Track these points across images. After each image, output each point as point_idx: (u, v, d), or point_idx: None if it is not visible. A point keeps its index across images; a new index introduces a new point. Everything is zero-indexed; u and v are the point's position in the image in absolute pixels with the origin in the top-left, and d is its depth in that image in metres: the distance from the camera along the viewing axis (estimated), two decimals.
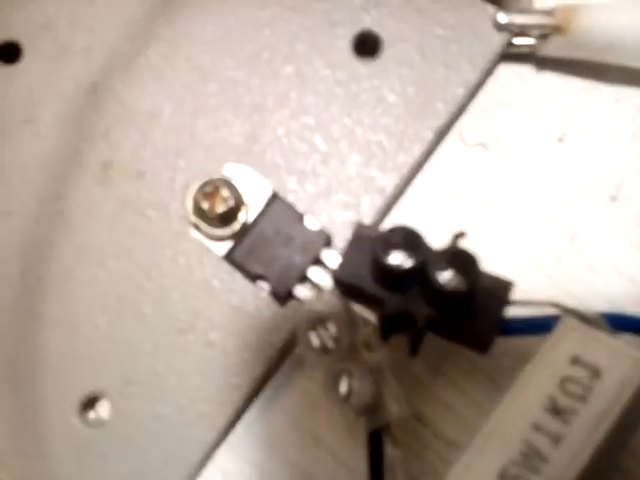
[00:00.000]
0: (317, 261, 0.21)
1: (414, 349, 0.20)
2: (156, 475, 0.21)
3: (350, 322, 0.19)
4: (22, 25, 0.23)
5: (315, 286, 0.21)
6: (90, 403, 0.22)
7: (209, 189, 0.21)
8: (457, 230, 0.20)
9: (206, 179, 0.21)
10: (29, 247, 0.22)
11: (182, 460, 0.21)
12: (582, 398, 0.17)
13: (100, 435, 0.21)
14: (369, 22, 0.23)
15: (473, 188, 0.24)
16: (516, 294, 0.20)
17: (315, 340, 0.19)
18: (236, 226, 0.21)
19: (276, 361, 0.22)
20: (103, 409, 0.22)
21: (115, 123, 0.23)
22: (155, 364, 0.22)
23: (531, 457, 0.17)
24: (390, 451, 0.19)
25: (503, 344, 0.20)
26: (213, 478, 0.22)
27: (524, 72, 0.25)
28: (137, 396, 0.21)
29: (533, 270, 0.24)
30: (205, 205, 0.21)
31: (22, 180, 0.22)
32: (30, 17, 0.23)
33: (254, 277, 0.21)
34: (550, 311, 0.19)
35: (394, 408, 0.19)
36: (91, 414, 0.22)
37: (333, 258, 0.21)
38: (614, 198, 0.24)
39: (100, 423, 0.21)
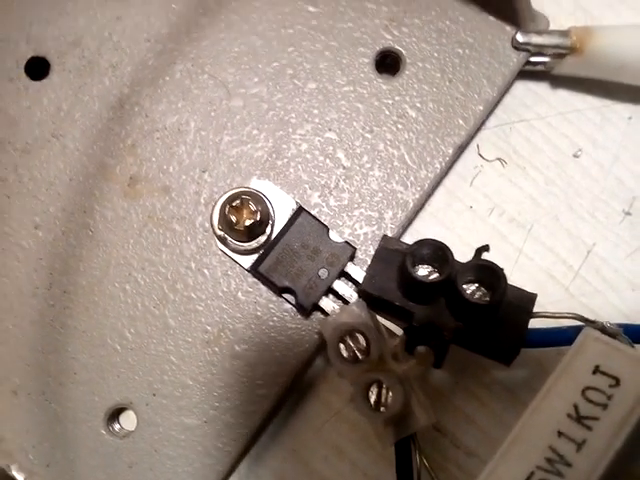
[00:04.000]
0: (342, 274, 0.23)
1: (439, 361, 0.21)
2: None
3: (378, 334, 0.21)
4: (50, 41, 0.25)
5: (340, 298, 0.23)
6: (117, 414, 0.23)
7: (237, 202, 0.22)
8: (481, 244, 0.21)
9: (233, 192, 0.23)
10: (56, 260, 0.23)
11: (208, 471, 0.22)
12: (603, 405, 0.19)
13: (127, 445, 0.23)
14: (390, 41, 0.25)
15: (491, 201, 0.26)
16: (535, 307, 0.21)
17: (344, 352, 0.20)
18: (262, 239, 0.23)
19: (300, 372, 0.23)
20: (130, 420, 0.23)
21: (141, 138, 0.24)
22: (181, 376, 0.23)
23: (556, 462, 0.18)
24: (417, 460, 0.20)
25: (520, 356, 0.22)
26: None
27: (540, 89, 0.27)
28: (163, 407, 0.23)
29: (550, 283, 0.25)
30: (233, 217, 0.22)
31: (50, 194, 0.24)
32: (58, 34, 0.25)
33: (280, 290, 0.23)
34: (570, 323, 0.21)
35: (422, 417, 0.20)
36: (118, 425, 0.23)
37: (358, 271, 0.23)
38: (628, 213, 0.26)
39: (127, 433, 0.23)
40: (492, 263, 0.20)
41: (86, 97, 0.24)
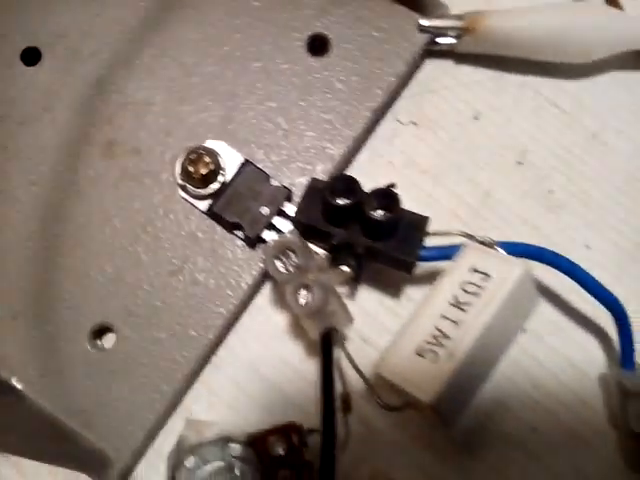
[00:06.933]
0: (281, 212, 0.29)
1: (357, 275, 0.27)
2: (153, 386, 0.28)
3: (307, 252, 0.27)
4: (41, 33, 0.31)
5: (279, 232, 0.29)
6: (100, 333, 0.29)
7: (194, 156, 0.28)
8: (389, 182, 0.27)
9: (191, 149, 0.29)
10: (48, 209, 0.29)
11: (174, 374, 0.28)
12: (476, 294, 0.25)
13: (108, 357, 0.28)
14: (320, 27, 0.31)
15: (407, 157, 0.32)
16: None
17: (280, 266, 0.26)
18: (215, 186, 0.29)
19: (250, 295, 0.29)
20: (110, 336, 0.29)
21: (117, 110, 0.30)
22: (152, 299, 0.29)
23: (439, 337, 0.24)
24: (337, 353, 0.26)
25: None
26: (200, 392, 0.29)
27: (446, 66, 0.33)
28: (137, 325, 0.29)
29: (455, 221, 0.31)
30: (191, 168, 0.28)
31: (42, 157, 0.30)
32: (48, 27, 0.31)
33: (230, 226, 0.29)
34: (459, 241, 0.27)
35: (342, 316, 0.26)
36: (100, 341, 0.29)
37: (293, 209, 0.29)
38: (520, 163, 0.32)
39: (108, 348, 0.28)
40: (387, 188, 0.26)
41: (71, 79, 0.31)
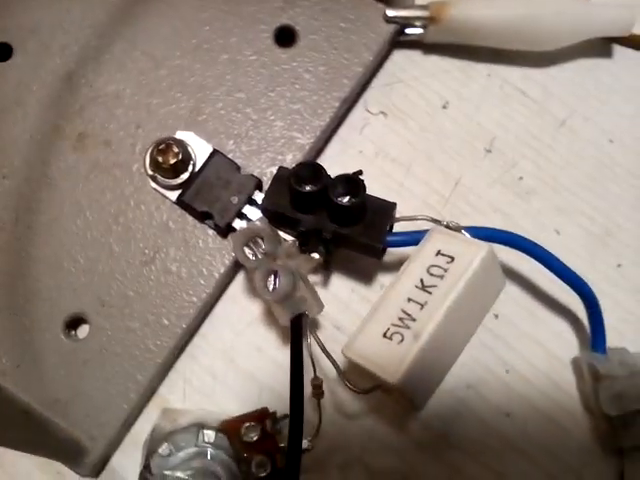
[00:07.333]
0: (252, 201, 0.29)
1: (327, 262, 0.28)
2: (127, 376, 0.28)
3: (275, 239, 0.27)
4: (13, 29, 0.31)
5: (250, 221, 0.29)
6: (73, 322, 0.29)
7: (163, 146, 0.29)
8: (369, 181, 0.28)
9: (160, 139, 0.29)
10: (21, 201, 0.30)
11: (149, 363, 0.29)
12: (441, 277, 0.25)
13: (81, 346, 0.29)
14: (286, 19, 0.32)
15: (377, 146, 0.32)
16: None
17: (249, 253, 0.27)
18: (185, 176, 0.29)
19: (223, 284, 0.30)
20: (84, 326, 0.29)
21: (87, 103, 0.31)
22: (124, 289, 0.29)
23: (405, 319, 0.25)
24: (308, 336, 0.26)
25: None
26: (175, 381, 0.30)
27: (414, 56, 0.34)
28: (111, 315, 0.29)
29: (426, 209, 0.32)
30: (160, 158, 0.29)
31: (14, 150, 0.30)
32: (19, 23, 0.31)
33: (201, 216, 0.29)
34: (426, 226, 0.27)
35: (312, 303, 0.26)
36: (74, 332, 0.29)
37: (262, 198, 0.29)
38: (488, 150, 0.32)
39: (82, 337, 0.29)
40: (352, 174, 0.26)
41: (42, 73, 0.31)
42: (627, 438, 0.28)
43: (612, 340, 0.29)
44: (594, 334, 0.29)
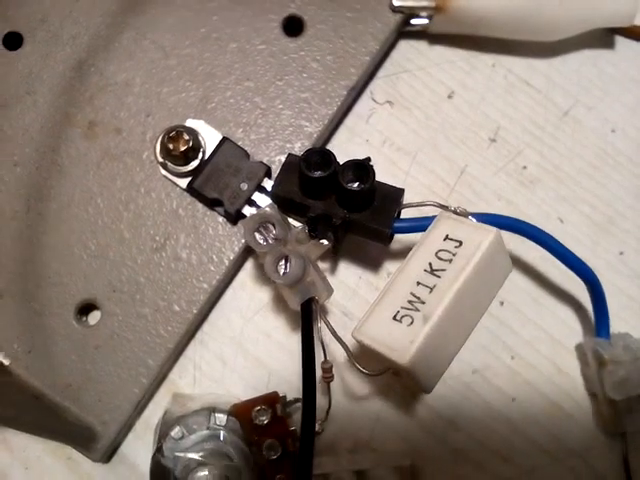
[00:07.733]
0: (261, 188, 0.30)
1: (335, 248, 0.28)
2: (138, 360, 0.29)
3: (285, 224, 0.27)
4: (23, 19, 0.32)
5: (259, 207, 0.29)
6: (85, 308, 0.30)
7: (173, 134, 0.29)
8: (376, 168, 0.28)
9: (171, 127, 0.30)
10: (32, 189, 0.30)
11: (160, 349, 0.29)
12: (449, 260, 0.26)
13: (93, 332, 0.29)
14: (294, 9, 0.32)
15: (383, 135, 0.33)
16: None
17: (260, 238, 0.27)
18: (195, 163, 0.29)
19: (232, 270, 0.30)
20: (95, 312, 0.30)
21: (97, 92, 0.31)
22: (135, 275, 0.30)
23: (414, 302, 0.25)
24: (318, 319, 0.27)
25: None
26: (185, 367, 0.30)
27: (420, 46, 0.34)
28: (122, 300, 0.29)
29: (432, 197, 0.32)
30: (171, 145, 0.29)
31: (25, 138, 0.31)
32: (29, 12, 0.32)
33: (211, 203, 0.30)
34: (433, 212, 0.28)
35: (321, 286, 0.27)
36: (85, 317, 0.30)
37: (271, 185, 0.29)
38: (493, 140, 0.33)
39: (93, 323, 0.29)
40: (362, 160, 0.27)
41: (52, 62, 0.31)
42: (631, 422, 0.29)
43: (615, 326, 0.30)
44: (598, 319, 0.30)
